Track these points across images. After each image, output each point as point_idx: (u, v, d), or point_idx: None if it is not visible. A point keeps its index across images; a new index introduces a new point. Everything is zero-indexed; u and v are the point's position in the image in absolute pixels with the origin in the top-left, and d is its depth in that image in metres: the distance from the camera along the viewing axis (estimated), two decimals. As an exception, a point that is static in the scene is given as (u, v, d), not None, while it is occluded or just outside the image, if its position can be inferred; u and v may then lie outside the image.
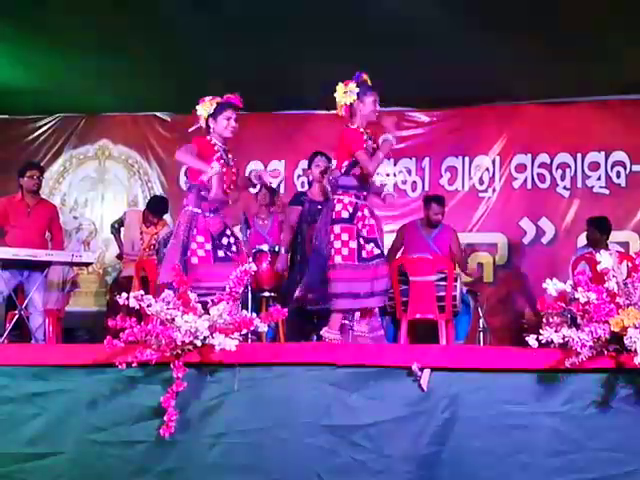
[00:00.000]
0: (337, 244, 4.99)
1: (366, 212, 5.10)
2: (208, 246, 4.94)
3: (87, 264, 7.18)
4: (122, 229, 7.83)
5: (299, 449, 3.77)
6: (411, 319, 6.33)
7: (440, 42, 7.11)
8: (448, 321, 6.38)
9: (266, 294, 6.73)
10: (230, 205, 5.30)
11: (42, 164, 9.22)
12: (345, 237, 4.98)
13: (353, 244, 4.99)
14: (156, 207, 7.81)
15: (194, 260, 4.88)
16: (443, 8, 6.56)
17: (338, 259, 4.98)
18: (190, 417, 3.86)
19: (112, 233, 7.87)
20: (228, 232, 5.10)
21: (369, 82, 5.17)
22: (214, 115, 5.08)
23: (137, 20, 6.88)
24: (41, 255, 6.53)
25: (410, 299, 6.34)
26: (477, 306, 7.23)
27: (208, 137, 5.12)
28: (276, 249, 6.69)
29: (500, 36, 6.96)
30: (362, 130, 5.16)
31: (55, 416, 4.00)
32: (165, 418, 3.75)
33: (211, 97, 5.12)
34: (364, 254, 5.00)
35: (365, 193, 5.16)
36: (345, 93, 5.13)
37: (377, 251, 5.03)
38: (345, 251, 4.97)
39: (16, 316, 6.58)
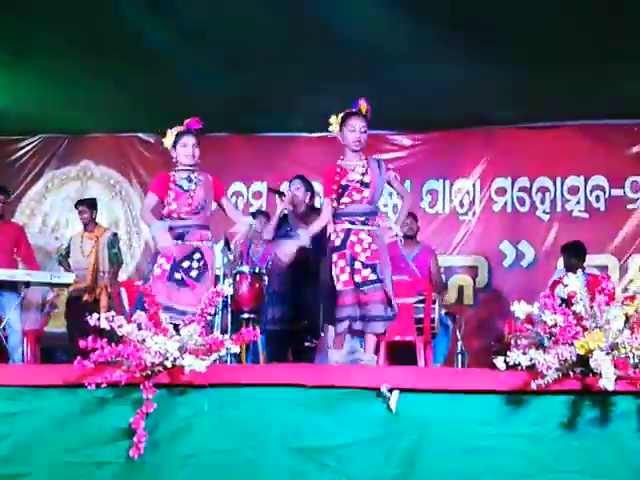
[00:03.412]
0: (336, 271, 5.02)
1: (362, 236, 5.07)
2: (166, 266, 5.00)
3: (66, 285, 7.16)
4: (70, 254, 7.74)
5: (268, 470, 3.74)
6: (390, 341, 6.35)
7: (423, 66, 7.21)
8: (427, 343, 6.41)
9: (245, 315, 6.74)
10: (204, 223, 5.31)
11: (24, 184, 9.32)
12: (342, 263, 5.00)
13: (349, 269, 5.01)
14: (82, 201, 7.89)
15: (150, 278, 4.97)
16: (427, 33, 6.64)
17: (339, 286, 5.01)
18: (160, 438, 3.83)
19: (59, 262, 7.80)
20: (195, 257, 5.11)
21: (364, 108, 5.14)
22: (174, 145, 5.18)
23: (121, 42, 6.93)
24: (20, 275, 6.53)
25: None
26: (455, 328, 7.26)
27: (170, 170, 5.23)
28: (256, 270, 6.72)
29: (482, 60, 7.05)
30: (339, 167, 5.17)
31: (25, 436, 3.96)
32: (135, 439, 3.74)
33: (175, 128, 5.22)
34: (358, 279, 5.00)
35: (363, 218, 5.10)
36: (332, 125, 5.18)
37: (373, 277, 5.01)
38: (344, 277, 5.00)
39: (-7, 337, 6.57)
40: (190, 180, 5.18)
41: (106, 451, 3.87)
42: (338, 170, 5.11)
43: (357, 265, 5.01)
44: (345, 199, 5.10)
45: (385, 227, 5.22)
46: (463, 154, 8.95)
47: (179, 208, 5.10)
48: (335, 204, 5.13)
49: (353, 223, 5.10)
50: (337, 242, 5.06)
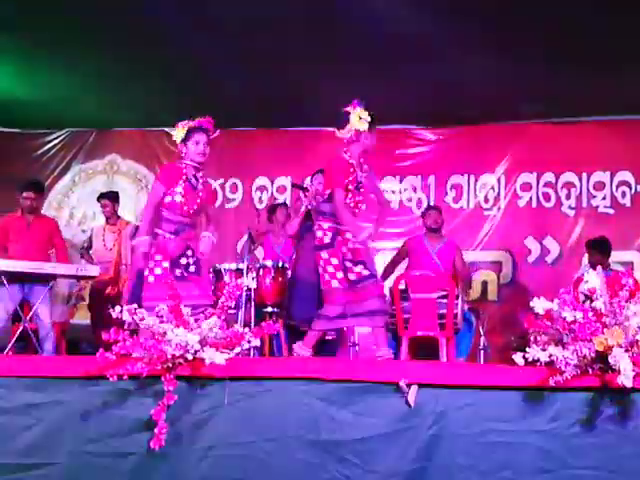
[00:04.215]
0: (330, 269, 5.04)
1: (348, 235, 5.11)
2: (165, 264, 4.97)
3: (92, 277, 7.22)
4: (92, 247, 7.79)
5: (287, 463, 3.79)
6: (412, 336, 6.36)
7: (447, 61, 7.18)
8: (449, 339, 6.40)
9: (269, 309, 6.78)
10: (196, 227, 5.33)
11: (51, 178, 9.40)
12: (335, 261, 5.03)
13: (342, 266, 5.03)
14: (104, 194, 7.93)
15: (150, 279, 4.92)
16: (450, 27, 6.62)
17: (335, 283, 5.02)
18: (180, 430, 3.89)
19: (80, 255, 7.87)
20: (189, 253, 5.12)
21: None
22: (185, 140, 5.13)
23: (149, 38, 6.97)
24: (46, 268, 6.59)
25: (411, 316, 6.37)
26: (479, 324, 7.23)
27: (179, 162, 5.18)
28: (280, 265, 6.75)
29: (508, 57, 7.01)
30: (352, 161, 5.20)
31: (49, 427, 4.04)
32: (155, 430, 3.79)
33: (185, 122, 5.20)
34: (352, 277, 5.03)
35: None
36: (360, 119, 5.20)
37: (366, 272, 5.05)
38: (340, 274, 5.03)
39: (20, 328, 6.64)
40: (197, 179, 5.18)
41: (127, 442, 3.94)
42: (351, 170, 5.15)
43: (348, 264, 5.04)
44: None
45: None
46: (488, 149, 8.90)
47: (186, 203, 5.06)
48: (322, 200, 5.16)
49: (339, 223, 5.12)
50: (326, 240, 5.07)
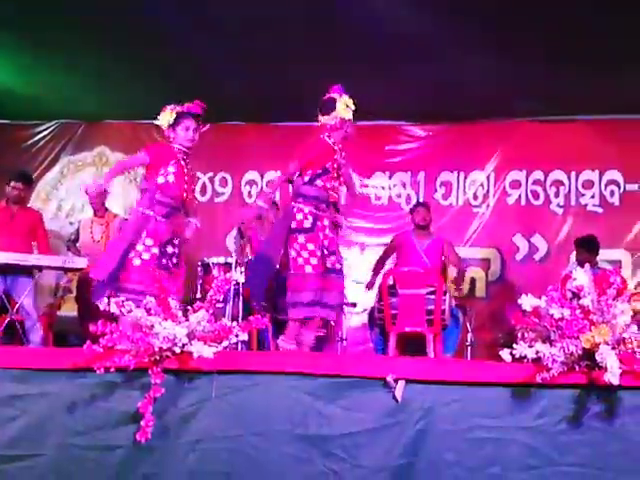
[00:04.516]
0: (304, 254, 5.01)
1: (326, 223, 5.11)
2: (155, 250, 4.93)
3: (80, 269, 7.19)
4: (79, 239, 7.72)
5: (274, 457, 3.79)
6: (400, 332, 6.37)
7: (438, 58, 7.19)
8: (437, 335, 6.41)
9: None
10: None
11: (40, 169, 9.35)
12: (311, 247, 5.01)
13: (319, 253, 5.02)
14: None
15: (136, 262, 4.86)
16: (442, 24, 6.62)
17: (308, 269, 5.01)
18: (167, 423, 3.88)
19: (67, 247, 7.83)
20: (175, 241, 5.08)
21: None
22: (174, 125, 5.09)
23: (137, 29, 6.95)
24: (31, 259, 6.55)
25: (399, 312, 6.38)
26: (466, 320, 7.26)
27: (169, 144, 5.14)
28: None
29: (499, 53, 7.03)
30: (335, 148, 5.20)
31: (35, 419, 4.02)
32: (142, 423, 3.77)
33: (172, 106, 5.14)
34: (328, 265, 5.03)
35: (324, 205, 5.18)
36: (346, 107, 5.18)
37: (338, 265, 5.06)
38: (314, 260, 5.00)
39: (6, 320, 6.62)
40: (186, 164, 5.15)
41: (114, 435, 3.92)
42: (335, 156, 5.14)
43: (325, 251, 5.04)
44: (319, 182, 5.12)
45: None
46: (477, 146, 8.90)
47: (176, 185, 5.02)
48: (303, 182, 5.15)
49: (317, 208, 5.12)
50: (306, 224, 5.05)
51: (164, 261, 4.95)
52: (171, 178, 5.00)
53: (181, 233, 5.15)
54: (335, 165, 5.20)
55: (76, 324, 7.32)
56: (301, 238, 5.02)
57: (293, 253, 5.07)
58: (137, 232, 4.93)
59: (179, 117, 5.09)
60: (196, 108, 5.13)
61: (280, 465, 3.79)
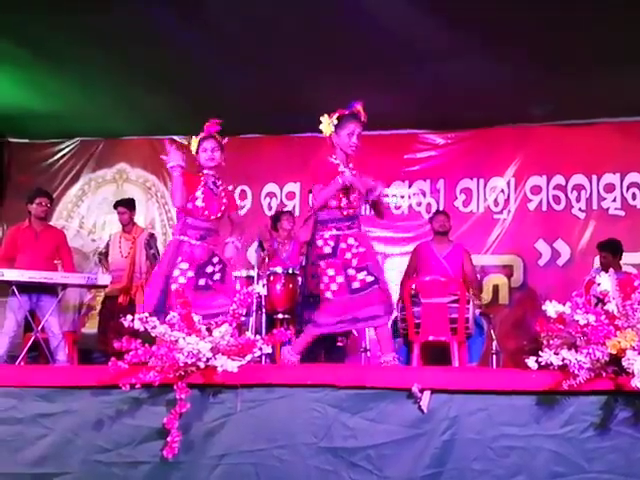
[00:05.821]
0: (325, 279, 5.00)
1: (351, 241, 5.06)
2: (190, 273, 4.99)
3: (103, 287, 7.24)
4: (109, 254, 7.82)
5: (300, 470, 3.78)
6: (424, 341, 6.35)
7: (455, 64, 7.17)
8: (461, 343, 6.38)
9: (280, 316, 6.78)
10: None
11: (61, 187, 9.44)
12: (331, 272, 4.99)
13: (340, 278, 4.99)
14: (121, 201, 7.96)
15: (173, 287, 4.87)
16: (458, 31, 6.61)
17: (328, 295, 4.99)
18: (193, 438, 3.88)
19: (98, 260, 7.89)
20: (215, 260, 5.14)
21: (362, 113, 5.12)
22: (197, 151, 5.21)
23: (154, 48, 7.00)
24: (56, 277, 6.61)
25: (422, 321, 6.36)
26: (490, 328, 7.22)
27: (195, 174, 5.23)
28: (290, 271, 6.76)
29: (516, 58, 7.00)
30: (337, 162, 5.15)
31: (61, 437, 4.03)
32: (168, 439, 3.78)
33: (200, 134, 5.25)
34: (356, 285, 4.99)
35: (348, 223, 5.13)
36: (328, 124, 5.16)
37: (370, 278, 5.00)
38: (334, 287, 4.99)
39: (32, 338, 6.66)
40: (216, 185, 5.22)
41: (140, 451, 3.93)
42: (336, 169, 5.10)
43: (351, 272, 4.99)
44: (332, 202, 5.09)
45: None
46: (497, 152, 8.88)
47: (207, 208, 5.11)
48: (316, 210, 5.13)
49: (340, 229, 5.09)
50: (327, 250, 5.03)
51: (202, 282, 5.01)
52: (199, 202, 5.08)
53: (220, 253, 5.20)
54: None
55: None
56: (322, 264, 5.02)
57: (315, 278, 5.09)
58: (171, 260, 5.02)
59: (200, 142, 5.21)
60: (210, 128, 5.21)
61: (306, 478, 3.78)
